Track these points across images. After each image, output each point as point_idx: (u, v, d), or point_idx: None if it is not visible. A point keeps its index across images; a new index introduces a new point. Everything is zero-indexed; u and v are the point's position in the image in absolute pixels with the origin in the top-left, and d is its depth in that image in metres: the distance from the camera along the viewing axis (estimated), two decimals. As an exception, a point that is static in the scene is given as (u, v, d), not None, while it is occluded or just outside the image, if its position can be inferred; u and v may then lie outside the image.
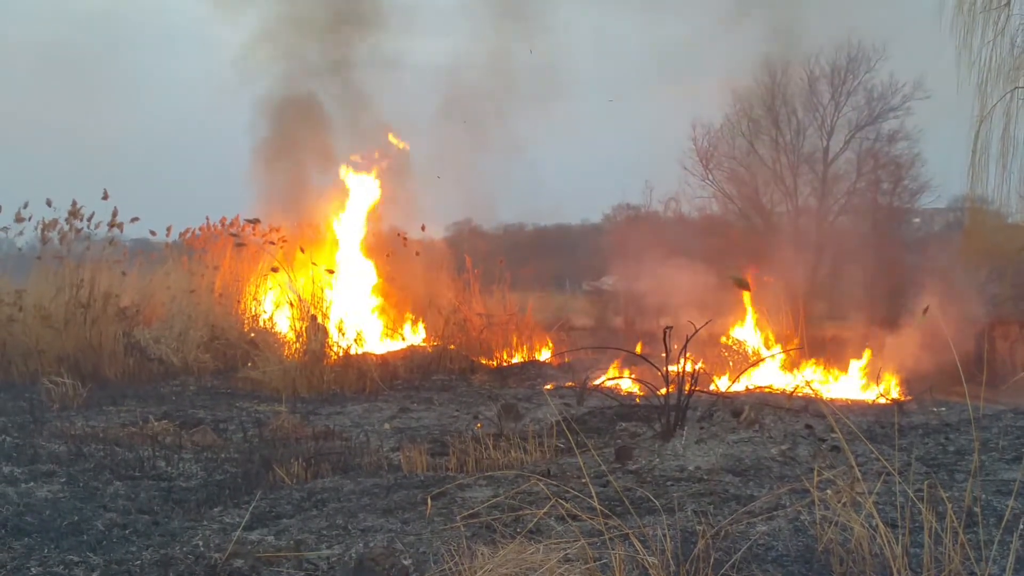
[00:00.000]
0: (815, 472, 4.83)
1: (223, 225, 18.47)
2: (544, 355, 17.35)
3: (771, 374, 14.35)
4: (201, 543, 5.05)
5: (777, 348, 15.45)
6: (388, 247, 18.79)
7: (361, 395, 12.79)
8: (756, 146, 26.60)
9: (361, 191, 18.99)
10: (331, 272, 14.96)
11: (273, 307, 17.01)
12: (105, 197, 15.04)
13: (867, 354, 14.73)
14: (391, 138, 19.69)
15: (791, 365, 14.78)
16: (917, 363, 14.86)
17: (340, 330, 14.37)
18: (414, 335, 17.85)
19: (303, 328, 14.04)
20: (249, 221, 17.18)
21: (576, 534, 4.30)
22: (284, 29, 21.10)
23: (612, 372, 13.80)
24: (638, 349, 13.21)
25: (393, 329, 17.91)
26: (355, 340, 14.46)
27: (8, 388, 12.49)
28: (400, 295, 18.38)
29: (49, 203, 14.91)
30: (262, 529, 5.41)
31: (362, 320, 16.74)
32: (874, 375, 13.99)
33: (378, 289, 18.18)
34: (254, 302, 17.22)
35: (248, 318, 16.84)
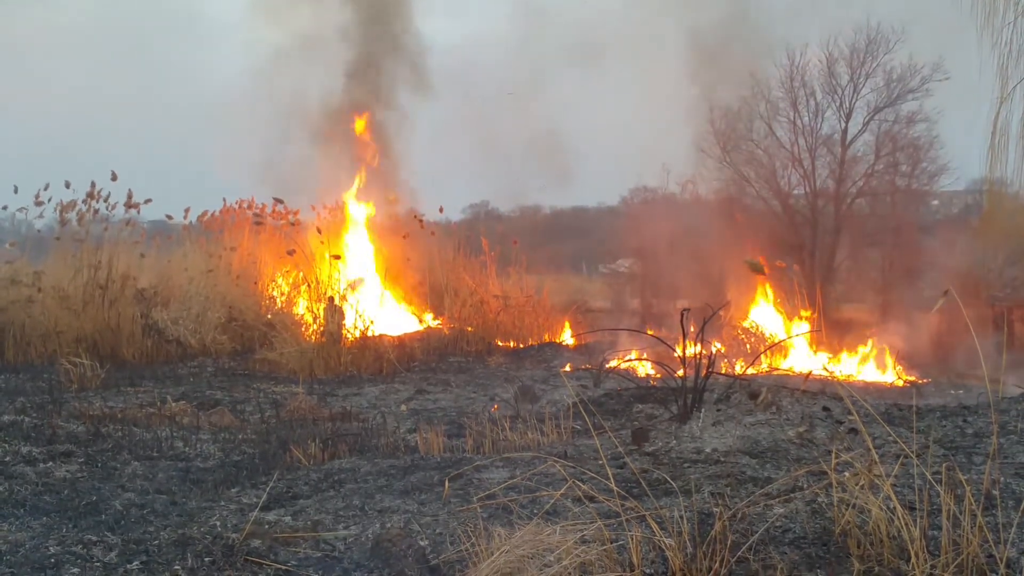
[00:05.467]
0: (833, 454, 4.82)
1: (240, 206, 18.49)
2: (561, 337, 17.34)
3: (789, 356, 14.32)
4: (218, 523, 5.08)
5: (794, 330, 15.42)
6: (405, 228, 18.78)
7: (378, 377, 12.81)
8: (774, 128, 26.41)
9: (376, 174, 19.04)
10: (337, 258, 14.96)
11: (290, 289, 17.02)
12: (114, 178, 15.12)
13: (884, 336, 14.69)
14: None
15: (809, 347, 14.75)
16: (935, 345, 14.82)
17: (357, 312, 14.40)
18: (426, 314, 17.83)
19: (320, 310, 14.06)
20: (276, 200, 17.22)
21: (593, 516, 4.29)
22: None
23: (630, 354, 13.79)
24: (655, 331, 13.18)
25: (407, 306, 17.90)
26: (371, 322, 14.48)
27: (27, 369, 12.56)
28: (416, 276, 18.36)
29: (68, 185, 14.99)
30: (279, 510, 5.43)
31: (377, 302, 16.76)
32: (891, 357, 13.96)
33: (394, 271, 18.17)
34: (271, 284, 17.23)
35: (265, 300, 16.87)
